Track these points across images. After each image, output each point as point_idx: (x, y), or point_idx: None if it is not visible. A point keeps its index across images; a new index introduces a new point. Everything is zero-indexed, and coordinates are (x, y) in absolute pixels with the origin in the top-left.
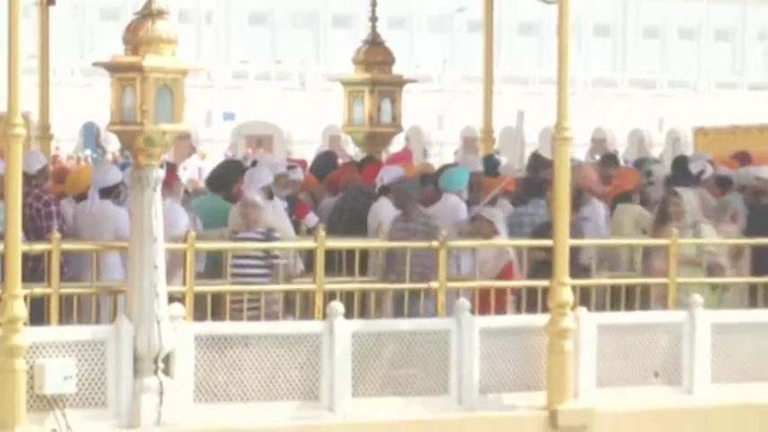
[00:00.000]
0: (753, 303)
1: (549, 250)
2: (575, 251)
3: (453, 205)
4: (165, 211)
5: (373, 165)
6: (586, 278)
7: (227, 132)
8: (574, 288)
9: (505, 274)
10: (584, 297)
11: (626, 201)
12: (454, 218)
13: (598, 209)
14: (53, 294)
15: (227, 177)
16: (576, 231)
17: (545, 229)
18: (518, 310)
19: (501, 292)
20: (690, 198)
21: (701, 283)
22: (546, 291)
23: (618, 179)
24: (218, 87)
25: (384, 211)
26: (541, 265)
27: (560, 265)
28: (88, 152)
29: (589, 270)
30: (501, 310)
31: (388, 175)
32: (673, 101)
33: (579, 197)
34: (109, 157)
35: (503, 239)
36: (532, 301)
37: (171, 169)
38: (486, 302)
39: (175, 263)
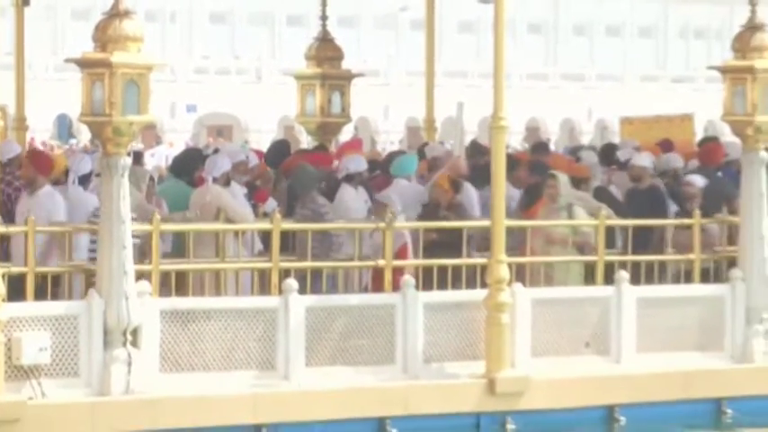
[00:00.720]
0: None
1: (440, 232)
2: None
3: (402, 189)
4: (45, 197)
5: (326, 153)
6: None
7: (190, 123)
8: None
9: (400, 254)
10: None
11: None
12: (405, 200)
13: (471, 194)
14: (29, 272)
15: (188, 164)
16: (461, 212)
17: (432, 210)
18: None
19: (397, 271)
20: (565, 181)
21: (572, 261)
22: (442, 269)
23: (572, 168)
24: (181, 81)
25: (347, 196)
26: (434, 246)
27: (497, 244)
28: (58, 142)
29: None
30: (396, 287)
31: (352, 164)
32: (600, 93)
33: (455, 185)
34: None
35: (399, 221)
36: (428, 280)
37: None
38: (379, 280)
39: (50, 248)
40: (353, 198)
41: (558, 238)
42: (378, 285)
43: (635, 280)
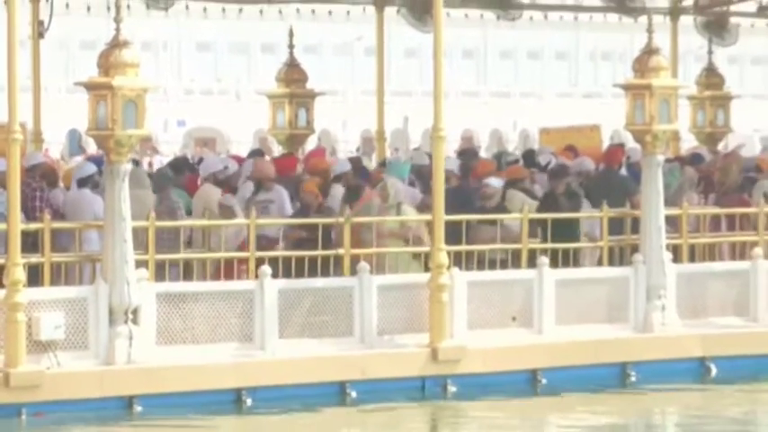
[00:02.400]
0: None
1: (309, 230)
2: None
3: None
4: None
5: (292, 158)
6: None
7: (180, 136)
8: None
9: (242, 248)
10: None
11: (514, 187)
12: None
13: (281, 193)
14: (46, 262)
15: (178, 169)
16: (328, 213)
17: (304, 212)
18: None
19: (241, 262)
20: (394, 183)
21: (405, 252)
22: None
23: (510, 170)
24: (172, 101)
25: (336, 194)
26: (301, 242)
27: (437, 234)
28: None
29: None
30: (240, 276)
31: (339, 167)
32: (523, 107)
33: (260, 185)
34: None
35: (239, 220)
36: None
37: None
38: (230, 270)
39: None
40: (340, 194)
41: (387, 232)
42: (229, 274)
43: (554, 263)
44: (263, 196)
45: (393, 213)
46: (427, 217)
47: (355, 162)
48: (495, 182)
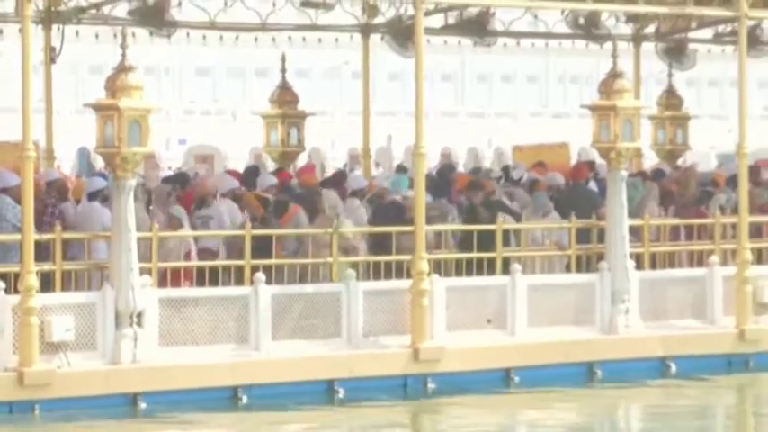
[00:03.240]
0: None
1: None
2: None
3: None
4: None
5: (284, 173)
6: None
7: (181, 153)
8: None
9: (187, 257)
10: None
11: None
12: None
13: (220, 208)
14: (57, 270)
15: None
16: (267, 223)
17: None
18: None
19: (187, 271)
20: (331, 196)
21: (346, 262)
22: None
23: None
24: (173, 121)
25: (354, 205)
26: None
27: (419, 243)
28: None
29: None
30: (184, 283)
31: (355, 183)
32: (497, 126)
33: (202, 201)
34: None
35: (186, 231)
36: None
37: None
38: (176, 278)
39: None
40: (359, 206)
41: (323, 243)
42: (175, 281)
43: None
44: (204, 212)
45: (334, 225)
46: (363, 229)
47: (282, 179)
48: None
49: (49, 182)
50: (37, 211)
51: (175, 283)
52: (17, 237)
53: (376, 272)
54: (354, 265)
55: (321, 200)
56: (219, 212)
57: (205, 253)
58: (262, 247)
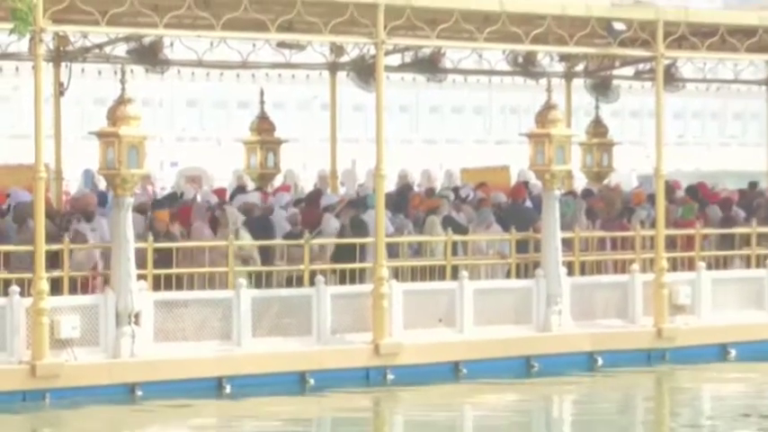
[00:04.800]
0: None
1: (160, 252)
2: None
3: (372, 217)
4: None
5: (263, 192)
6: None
7: (173, 174)
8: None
9: (94, 269)
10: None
11: (434, 214)
12: (372, 225)
13: (102, 223)
14: (65, 276)
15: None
16: (172, 237)
17: (156, 237)
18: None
19: (94, 279)
20: (233, 211)
21: (245, 271)
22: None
23: (429, 202)
24: (166, 146)
25: (331, 221)
26: (156, 261)
27: (380, 251)
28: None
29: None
30: (92, 291)
31: (327, 199)
32: (448, 151)
33: (172, 218)
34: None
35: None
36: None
37: None
38: (86, 285)
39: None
40: (330, 218)
41: (225, 253)
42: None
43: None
44: (85, 226)
45: (234, 237)
46: (259, 242)
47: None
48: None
49: (75, 198)
50: (60, 226)
51: (84, 290)
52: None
53: (268, 279)
54: (250, 274)
55: (224, 215)
56: (102, 226)
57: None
58: (166, 259)
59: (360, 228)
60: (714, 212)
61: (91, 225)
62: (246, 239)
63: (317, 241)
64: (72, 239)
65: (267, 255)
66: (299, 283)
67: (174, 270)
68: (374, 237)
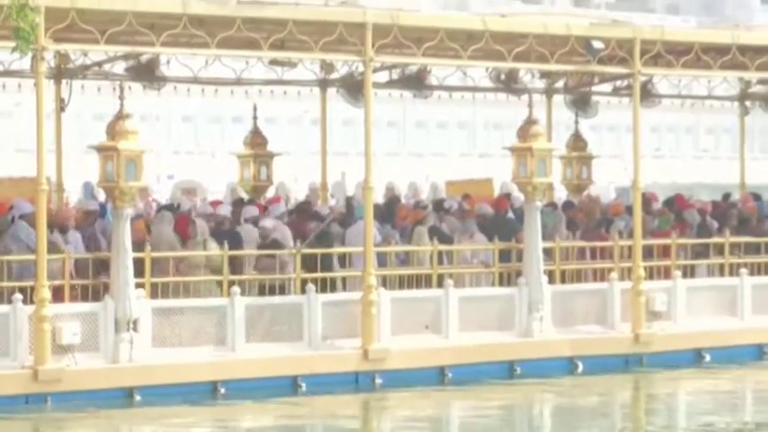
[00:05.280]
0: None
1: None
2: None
3: (360, 228)
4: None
5: (255, 204)
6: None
7: (170, 187)
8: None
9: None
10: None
11: (421, 224)
12: (361, 235)
13: (76, 236)
14: (66, 284)
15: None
16: (53, 249)
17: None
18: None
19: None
20: (201, 224)
21: (211, 280)
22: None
23: (414, 213)
24: (163, 159)
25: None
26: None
27: (368, 261)
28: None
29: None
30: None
31: (320, 211)
32: (433, 165)
33: (61, 228)
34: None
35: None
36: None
37: None
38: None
39: None
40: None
41: (195, 263)
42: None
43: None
44: (58, 237)
45: (200, 248)
46: (229, 252)
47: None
48: (269, 222)
49: (87, 211)
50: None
51: (57, 299)
52: (32, 257)
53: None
54: (219, 282)
55: (194, 227)
56: (76, 239)
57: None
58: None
59: (325, 240)
60: (692, 217)
61: (65, 237)
62: (215, 250)
63: (309, 251)
64: (47, 250)
65: (235, 266)
66: (272, 292)
67: (171, 279)
68: (360, 246)
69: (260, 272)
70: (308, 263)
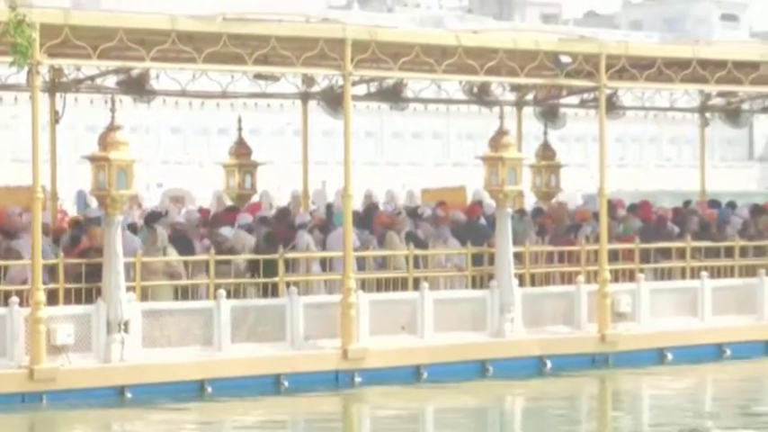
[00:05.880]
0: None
1: (88, 266)
2: None
3: (340, 234)
4: None
5: (237, 211)
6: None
7: (159, 194)
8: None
9: (24, 283)
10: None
11: (391, 229)
12: (341, 241)
13: (26, 242)
14: (60, 288)
15: (152, 219)
16: (10, 254)
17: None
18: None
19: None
20: (161, 231)
21: (166, 285)
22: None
23: (391, 218)
24: (153, 168)
25: (303, 237)
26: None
27: (347, 265)
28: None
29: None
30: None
31: (302, 218)
32: (409, 173)
33: (12, 235)
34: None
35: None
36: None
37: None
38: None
39: None
40: (311, 239)
41: (153, 268)
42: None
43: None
44: (14, 244)
45: (161, 254)
46: (187, 258)
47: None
48: (227, 230)
49: (90, 218)
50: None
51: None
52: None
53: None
54: (176, 288)
55: (154, 233)
56: (26, 244)
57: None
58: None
59: (273, 243)
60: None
61: (19, 243)
62: (173, 255)
63: (291, 255)
64: (5, 256)
65: (189, 270)
66: (229, 296)
67: (158, 282)
68: (340, 251)
69: (215, 277)
70: (254, 267)
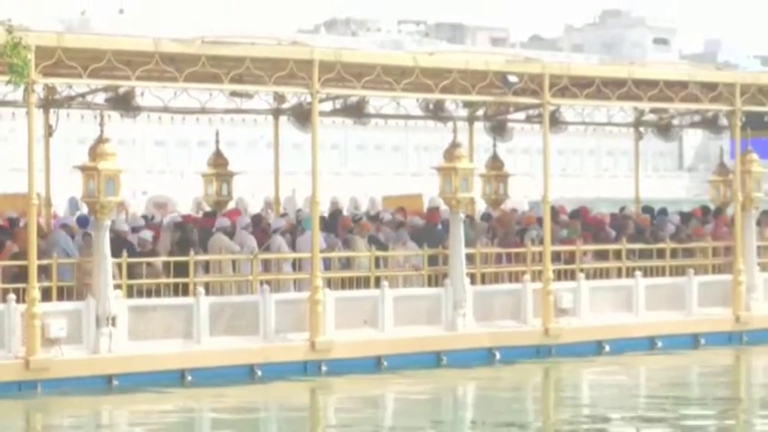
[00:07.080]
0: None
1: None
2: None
3: (308, 237)
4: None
5: (215, 216)
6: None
7: (144, 201)
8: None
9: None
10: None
11: (353, 233)
12: (309, 243)
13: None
14: (53, 286)
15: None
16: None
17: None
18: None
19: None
20: (146, 236)
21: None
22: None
23: (360, 224)
24: (138, 178)
25: (276, 240)
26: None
27: (315, 265)
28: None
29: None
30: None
31: (276, 223)
32: (371, 182)
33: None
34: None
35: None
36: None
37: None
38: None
39: None
40: (283, 241)
41: (87, 270)
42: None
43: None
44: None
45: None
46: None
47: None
48: (147, 234)
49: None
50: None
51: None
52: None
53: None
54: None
55: (89, 239)
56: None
57: None
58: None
59: (185, 246)
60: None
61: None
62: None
63: (264, 256)
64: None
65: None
66: (157, 294)
67: (145, 281)
68: (308, 252)
69: (133, 277)
70: (168, 268)
